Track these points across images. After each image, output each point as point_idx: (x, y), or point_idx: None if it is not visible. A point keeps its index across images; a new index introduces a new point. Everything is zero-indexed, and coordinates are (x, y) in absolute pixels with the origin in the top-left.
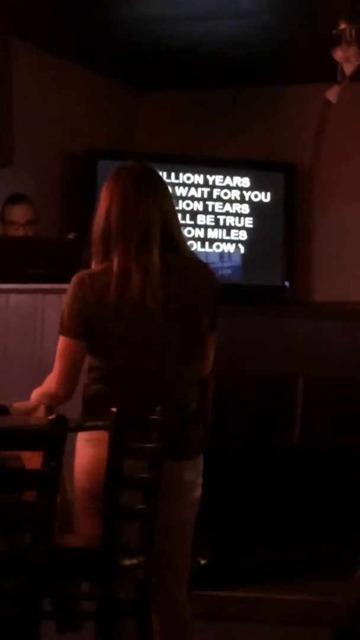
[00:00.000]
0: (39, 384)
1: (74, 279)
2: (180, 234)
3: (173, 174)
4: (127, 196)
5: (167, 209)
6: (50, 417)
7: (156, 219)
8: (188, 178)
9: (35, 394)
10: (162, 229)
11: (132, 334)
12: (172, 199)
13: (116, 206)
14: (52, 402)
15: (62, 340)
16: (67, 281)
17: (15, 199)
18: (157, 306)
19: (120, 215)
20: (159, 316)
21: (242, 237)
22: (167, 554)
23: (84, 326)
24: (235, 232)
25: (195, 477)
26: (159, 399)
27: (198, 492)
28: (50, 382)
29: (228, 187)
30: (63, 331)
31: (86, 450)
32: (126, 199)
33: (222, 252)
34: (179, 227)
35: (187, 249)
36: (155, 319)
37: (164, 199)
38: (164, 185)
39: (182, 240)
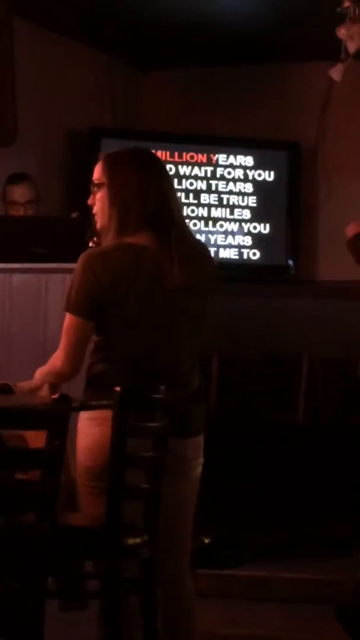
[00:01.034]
0: (43, 363)
1: (83, 256)
2: (182, 215)
3: (176, 153)
4: (139, 176)
5: (173, 190)
6: (53, 397)
7: (165, 199)
8: (192, 157)
9: (39, 372)
10: (170, 210)
11: (143, 313)
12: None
13: (128, 186)
14: (57, 380)
15: (68, 318)
16: (71, 260)
17: (15, 178)
18: (170, 285)
19: (133, 195)
20: (170, 295)
21: (246, 216)
22: (168, 531)
23: (92, 305)
24: (238, 211)
25: (197, 454)
26: (164, 377)
27: (199, 470)
28: (55, 360)
29: (232, 165)
30: (69, 308)
31: (90, 429)
32: (139, 179)
33: (226, 230)
34: (180, 208)
35: (188, 230)
36: (166, 298)
37: (169, 180)
38: (165, 167)
39: (184, 221)
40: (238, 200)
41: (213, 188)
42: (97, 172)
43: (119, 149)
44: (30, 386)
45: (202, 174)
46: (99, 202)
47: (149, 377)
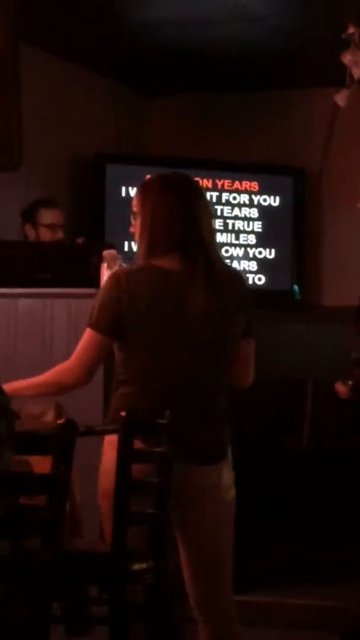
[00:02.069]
0: None
1: (110, 274)
2: (213, 237)
3: None
4: (165, 200)
5: (204, 211)
6: (59, 422)
7: (194, 221)
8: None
9: (43, 376)
10: (199, 232)
11: (161, 335)
12: (210, 206)
13: (156, 211)
14: (56, 388)
15: (88, 332)
16: (76, 285)
17: (48, 203)
18: (193, 309)
19: (161, 218)
20: (192, 319)
21: (251, 241)
22: (204, 561)
23: (112, 322)
24: (244, 236)
25: (222, 481)
26: (181, 400)
27: (230, 496)
28: (62, 367)
29: (237, 191)
30: (91, 325)
31: (112, 452)
32: (164, 203)
33: (231, 255)
34: (211, 230)
35: (218, 254)
36: (187, 322)
37: (199, 201)
38: (196, 188)
39: (214, 244)
40: (243, 226)
41: (218, 213)
42: (135, 200)
43: (152, 177)
44: (35, 411)
45: (207, 199)
46: (136, 229)
47: (166, 399)
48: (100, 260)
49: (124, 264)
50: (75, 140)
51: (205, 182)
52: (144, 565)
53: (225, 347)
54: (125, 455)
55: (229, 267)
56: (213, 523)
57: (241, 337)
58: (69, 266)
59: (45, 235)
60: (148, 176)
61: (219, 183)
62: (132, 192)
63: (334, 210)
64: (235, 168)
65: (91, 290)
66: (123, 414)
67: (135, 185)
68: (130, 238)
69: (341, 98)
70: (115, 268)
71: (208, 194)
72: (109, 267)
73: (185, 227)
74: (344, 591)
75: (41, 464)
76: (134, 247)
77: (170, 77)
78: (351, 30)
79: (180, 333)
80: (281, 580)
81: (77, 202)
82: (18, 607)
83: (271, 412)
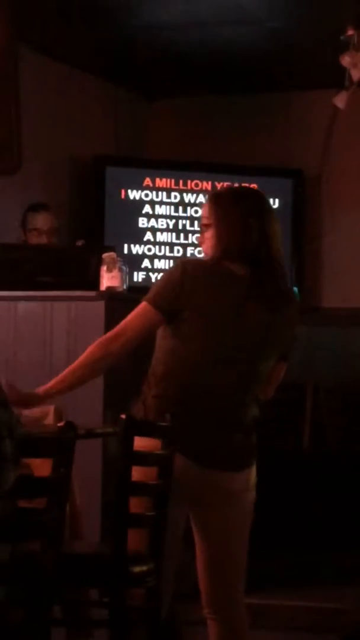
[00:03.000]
0: None
1: (179, 262)
2: (281, 251)
3: (181, 181)
4: (242, 218)
5: (275, 226)
6: (59, 424)
7: (267, 237)
8: (196, 184)
9: (81, 363)
10: (271, 247)
11: (216, 332)
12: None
13: (232, 227)
14: (101, 364)
15: (143, 305)
16: (76, 288)
17: (36, 207)
18: (250, 318)
19: (237, 234)
20: (246, 327)
21: None
22: (219, 563)
23: (169, 301)
24: None
25: (246, 487)
26: (214, 404)
27: (250, 501)
28: (104, 341)
29: None
30: (148, 299)
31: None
32: (242, 221)
33: None
34: (281, 244)
35: (282, 269)
36: (242, 328)
37: (270, 216)
38: (267, 203)
39: (281, 258)
40: None
41: None
42: (204, 213)
43: (223, 189)
44: (36, 414)
45: None
46: (207, 240)
47: (199, 402)
48: (99, 262)
49: (123, 267)
50: (74, 143)
51: (204, 185)
52: (144, 568)
53: (266, 362)
54: (125, 457)
55: (290, 290)
56: (235, 525)
57: (278, 359)
58: (69, 269)
59: (32, 239)
60: (147, 179)
61: (218, 185)
62: (132, 194)
63: (333, 212)
64: (234, 170)
65: (91, 293)
66: (123, 416)
67: (134, 188)
68: (129, 240)
69: (340, 100)
70: (115, 271)
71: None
72: (109, 269)
73: (260, 242)
74: (344, 593)
75: (41, 467)
76: (134, 250)
77: (169, 80)
78: (350, 32)
79: (231, 335)
80: (281, 582)
81: (77, 205)
82: (19, 610)
83: (271, 414)
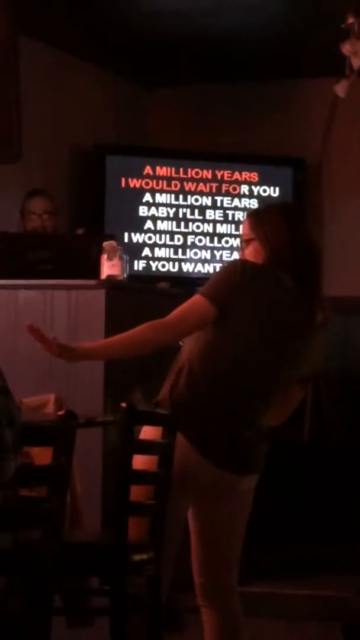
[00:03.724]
0: (49, 381)
1: (236, 260)
2: (321, 259)
3: (181, 169)
4: (289, 231)
5: (317, 235)
6: (59, 413)
7: (312, 246)
8: (197, 173)
9: (128, 337)
10: (315, 255)
11: (257, 335)
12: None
13: (279, 240)
14: (147, 348)
15: (198, 298)
16: (76, 276)
17: (32, 192)
18: (288, 326)
19: (283, 247)
20: (285, 334)
21: None
22: (215, 554)
23: (225, 296)
24: None
25: (250, 487)
26: (243, 407)
27: (251, 496)
28: (158, 328)
29: (236, 181)
30: (203, 292)
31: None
32: (288, 234)
33: (231, 246)
34: (321, 252)
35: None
36: (281, 334)
37: (312, 228)
38: (306, 216)
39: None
40: (243, 216)
41: (218, 204)
42: (245, 229)
43: (263, 207)
44: (37, 401)
45: (207, 190)
46: (248, 256)
47: (228, 401)
48: (100, 251)
49: (124, 256)
50: (74, 132)
51: (205, 173)
52: (144, 556)
53: (293, 372)
54: (126, 446)
55: (327, 308)
56: (235, 521)
57: (298, 381)
58: (69, 258)
59: (29, 224)
60: (148, 167)
61: (219, 174)
62: (132, 183)
63: (334, 201)
64: (234, 159)
65: (91, 282)
66: (123, 405)
67: (134, 176)
68: (130, 229)
69: (341, 88)
70: (115, 259)
71: (208, 185)
72: (109, 258)
73: (305, 252)
74: (347, 582)
75: (42, 456)
76: (134, 238)
77: (169, 68)
78: (350, 20)
79: (272, 340)
80: (282, 571)
81: (77, 194)
82: (19, 599)
83: None
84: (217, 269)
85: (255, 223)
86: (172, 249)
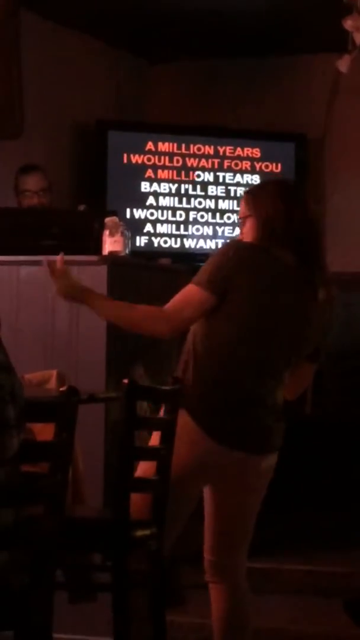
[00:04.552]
0: (51, 356)
1: (227, 243)
2: (322, 238)
3: (184, 145)
4: (285, 207)
5: (316, 214)
6: (61, 389)
7: (310, 224)
8: (199, 149)
9: (131, 314)
10: (314, 234)
11: (254, 314)
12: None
13: (275, 216)
14: (143, 332)
15: (194, 289)
16: (79, 252)
17: (26, 168)
18: (288, 302)
19: (280, 223)
20: (283, 312)
21: None
22: (230, 533)
23: (219, 282)
24: None
25: (270, 468)
26: (252, 387)
27: (269, 478)
28: (160, 319)
29: (239, 157)
30: (199, 283)
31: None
32: (285, 210)
33: (233, 222)
34: (321, 230)
35: (324, 255)
36: (279, 312)
37: (310, 206)
38: (304, 194)
39: (323, 246)
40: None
41: (220, 180)
42: (242, 207)
43: (260, 184)
44: (41, 376)
45: (209, 166)
46: (246, 233)
47: (233, 382)
48: (102, 227)
49: (126, 232)
50: (76, 108)
51: (207, 149)
52: (146, 532)
53: (298, 350)
54: (128, 422)
55: (331, 284)
56: (253, 500)
57: (305, 360)
58: (71, 234)
59: (24, 201)
60: (150, 143)
61: (221, 150)
62: (134, 158)
63: (336, 176)
64: (236, 134)
65: (93, 258)
66: (125, 381)
67: (136, 152)
68: (131, 205)
69: (343, 64)
70: (117, 235)
71: (210, 161)
72: (111, 234)
73: (303, 230)
74: (346, 557)
75: (44, 431)
76: (136, 214)
77: (171, 44)
78: None
79: (271, 319)
80: (284, 546)
81: (79, 170)
82: (21, 575)
83: None
84: (219, 245)
85: (251, 201)
86: (174, 225)
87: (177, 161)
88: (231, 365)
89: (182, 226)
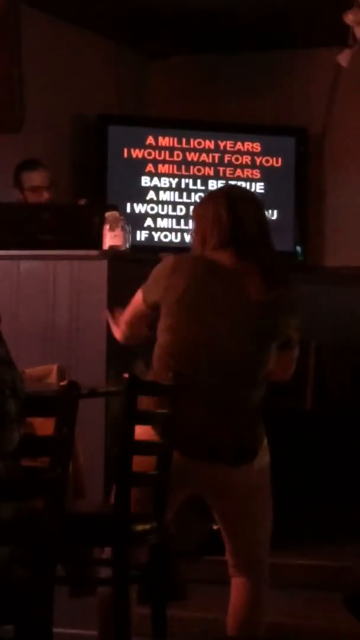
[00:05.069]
0: (51, 350)
1: (167, 257)
2: (262, 234)
3: (184, 139)
4: (210, 210)
5: (250, 212)
6: (62, 383)
7: (239, 222)
8: (199, 143)
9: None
10: (243, 231)
11: (193, 321)
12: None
13: (203, 221)
14: (114, 331)
15: (139, 298)
16: (79, 247)
17: (31, 164)
18: (231, 303)
19: (207, 226)
20: (227, 314)
21: None
22: (244, 533)
23: (153, 297)
24: None
25: (264, 475)
26: (208, 401)
27: (265, 461)
28: (116, 323)
29: (239, 152)
30: (142, 289)
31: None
32: (212, 213)
33: None
34: (259, 227)
35: (269, 250)
36: (223, 315)
37: (242, 204)
38: (249, 199)
39: (264, 241)
40: (245, 187)
41: (220, 174)
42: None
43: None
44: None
45: (210, 160)
46: (194, 244)
47: (184, 391)
48: (102, 221)
49: (126, 226)
50: (77, 102)
51: (207, 144)
52: (147, 526)
53: (259, 351)
54: (128, 416)
55: (284, 275)
56: (253, 506)
57: (279, 349)
58: (71, 228)
59: (31, 198)
60: (150, 137)
61: (221, 144)
62: (134, 153)
63: (337, 171)
64: (237, 129)
65: (94, 252)
66: (126, 375)
67: (137, 146)
68: (132, 199)
69: (344, 58)
70: (118, 230)
71: (210, 155)
72: (111, 228)
73: (228, 226)
74: (348, 551)
75: (44, 426)
76: (136, 209)
77: (172, 38)
78: None
79: (215, 325)
80: (284, 541)
81: (79, 164)
82: (22, 569)
83: None
84: None
85: (193, 214)
86: (174, 220)
87: (178, 155)
88: (176, 373)
89: (182, 221)
